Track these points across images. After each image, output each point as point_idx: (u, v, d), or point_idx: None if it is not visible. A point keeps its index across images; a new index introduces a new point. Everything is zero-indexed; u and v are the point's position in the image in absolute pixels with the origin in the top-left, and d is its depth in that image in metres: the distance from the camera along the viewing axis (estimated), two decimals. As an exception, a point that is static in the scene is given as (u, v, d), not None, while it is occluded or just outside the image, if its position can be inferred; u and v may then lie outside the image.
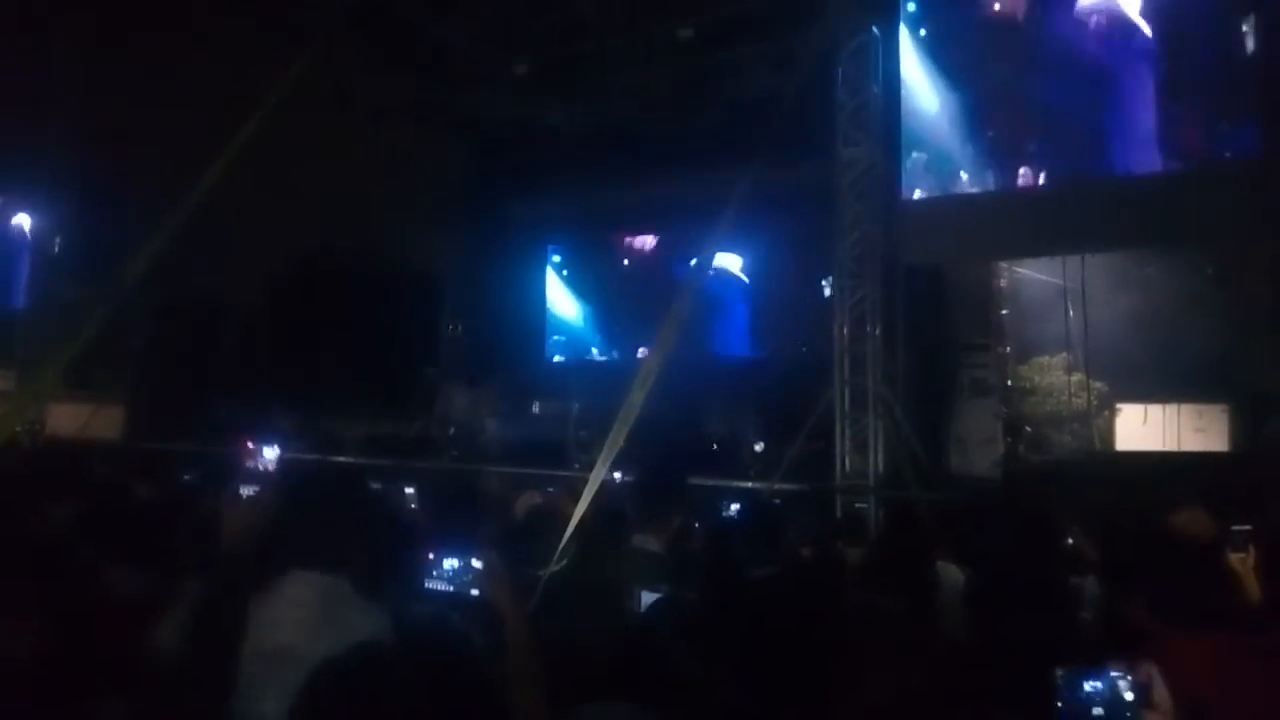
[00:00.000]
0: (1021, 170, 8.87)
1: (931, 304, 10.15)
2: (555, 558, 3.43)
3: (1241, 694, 1.91)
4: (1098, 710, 1.52)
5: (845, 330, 9.07)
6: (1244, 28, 7.82)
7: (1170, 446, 9.31)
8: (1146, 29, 8.25)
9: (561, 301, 15.09)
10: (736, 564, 3.61)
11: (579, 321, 15.01)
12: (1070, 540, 4.20)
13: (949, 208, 9.24)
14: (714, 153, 10.38)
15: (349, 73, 11.58)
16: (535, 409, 12.87)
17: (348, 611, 2.26)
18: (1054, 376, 10.66)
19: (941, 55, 9.29)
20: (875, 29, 9.28)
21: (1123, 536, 2.65)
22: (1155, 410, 9.71)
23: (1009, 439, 9.77)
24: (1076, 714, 1.53)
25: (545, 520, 4.03)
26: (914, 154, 9.31)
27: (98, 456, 7.06)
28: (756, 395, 11.19)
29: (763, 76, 10.50)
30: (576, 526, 3.67)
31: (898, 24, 9.33)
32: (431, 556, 2.31)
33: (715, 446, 10.97)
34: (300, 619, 2.23)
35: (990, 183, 9.08)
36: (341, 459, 10.36)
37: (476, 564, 2.23)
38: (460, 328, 14.61)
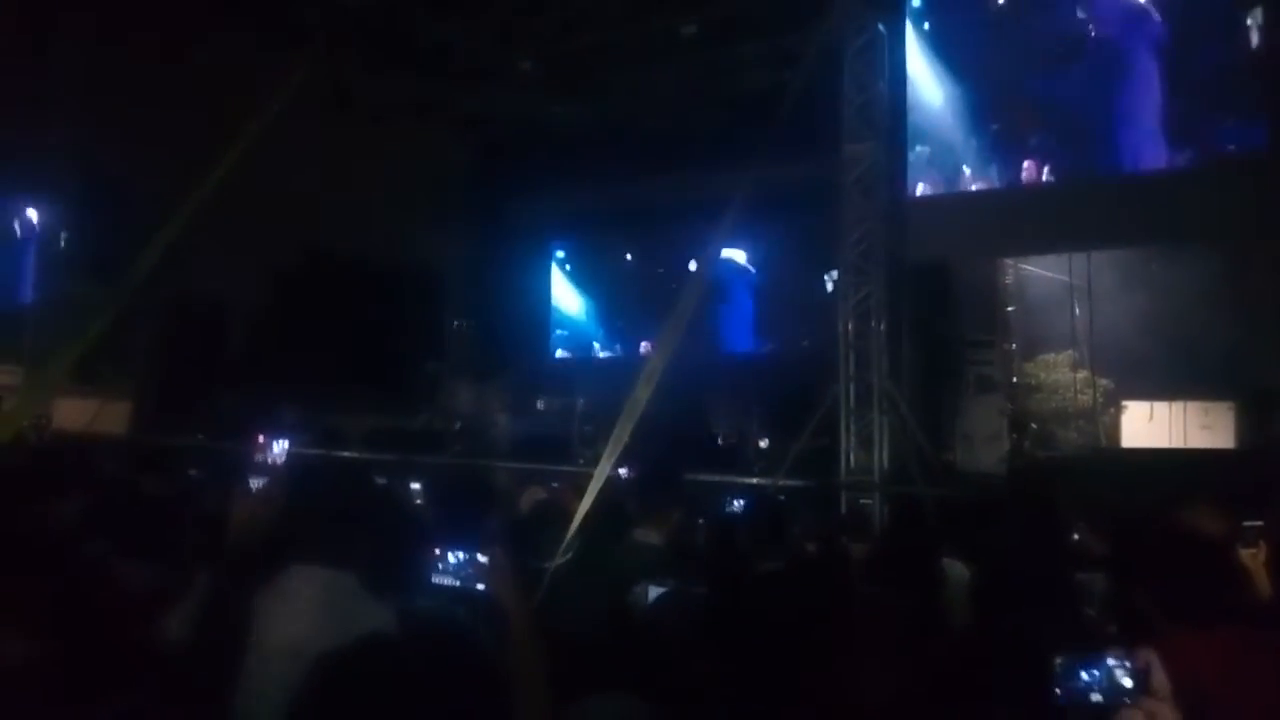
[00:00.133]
0: (1025, 164, 8.86)
1: (937, 300, 10.15)
2: (560, 552, 3.44)
3: (1251, 689, 1.91)
4: (1096, 697, 1.52)
5: (850, 326, 9.06)
6: (1249, 21, 7.80)
7: (1176, 444, 9.29)
8: (1155, 15, 8.23)
9: (565, 297, 15.12)
10: (742, 559, 3.61)
11: (582, 316, 15.04)
12: (1076, 536, 4.19)
13: (955, 204, 9.23)
14: (718, 149, 10.38)
15: (352, 71, 11.59)
16: (540, 405, 12.89)
17: (353, 606, 2.27)
18: (1060, 373, 10.65)
19: (945, 49, 9.28)
20: (881, 26, 9.27)
21: (1132, 531, 2.64)
22: (1161, 407, 9.69)
23: (1014, 435, 9.76)
24: (1075, 701, 1.52)
25: (549, 515, 4.04)
26: (918, 147, 9.31)
27: (104, 452, 7.08)
28: (761, 391, 11.19)
29: (767, 73, 10.48)
30: (580, 521, 3.68)
31: (904, 20, 9.32)
32: (437, 551, 2.32)
33: (720, 442, 10.97)
34: (306, 614, 2.24)
35: (994, 176, 9.07)
36: (347, 454, 10.39)
37: (482, 558, 2.23)
38: (465, 323, 14.63)
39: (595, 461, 4.50)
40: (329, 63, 10.50)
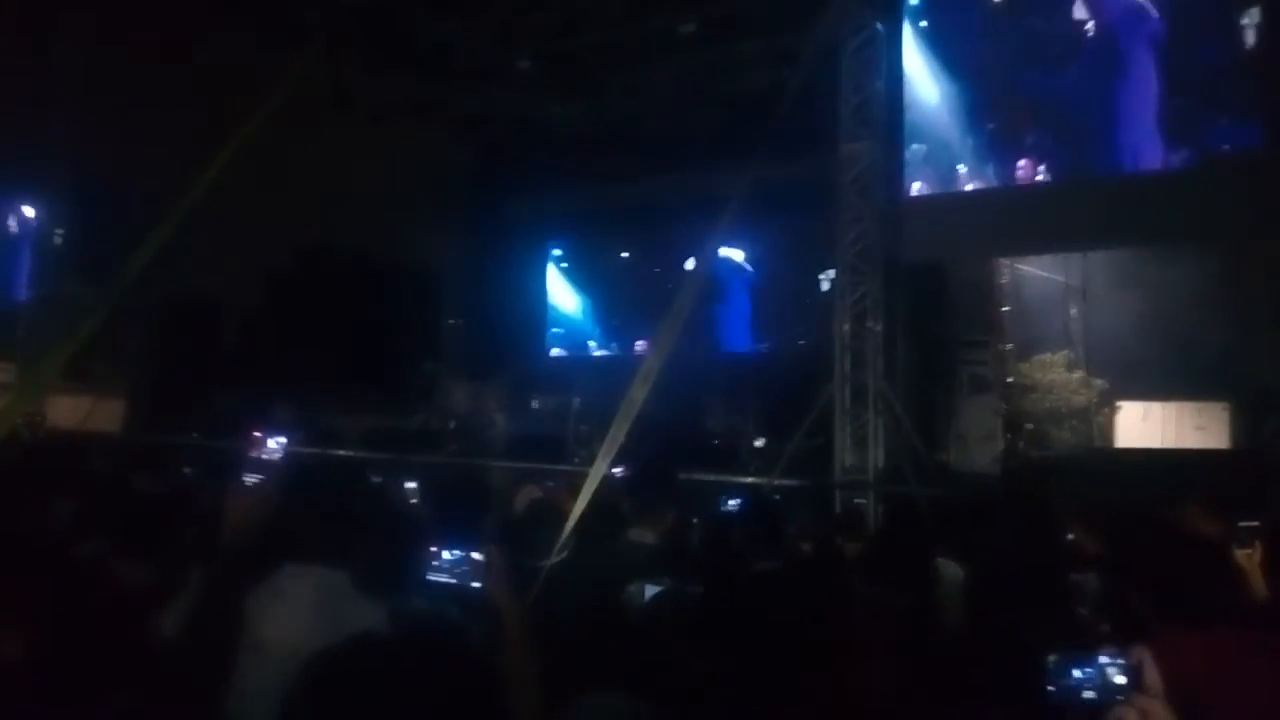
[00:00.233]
0: (1020, 162, 8.88)
1: (932, 300, 10.16)
2: (555, 551, 3.43)
3: (1246, 690, 1.91)
4: (1089, 694, 1.52)
5: (846, 326, 9.07)
6: (1243, 21, 7.81)
7: (1170, 444, 9.32)
8: (1153, 13, 8.24)
9: (561, 295, 15.11)
10: (737, 558, 3.61)
11: (578, 315, 15.03)
12: (1070, 536, 4.20)
13: (951, 204, 9.24)
14: (715, 148, 10.38)
15: (350, 70, 11.57)
16: (534, 404, 12.89)
17: (346, 606, 2.27)
18: (1055, 373, 10.65)
19: (941, 47, 9.29)
20: (879, 25, 9.27)
21: (1127, 531, 2.65)
22: (1155, 408, 9.71)
23: (1009, 435, 9.77)
24: (1068, 699, 1.53)
25: (545, 514, 4.03)
26: (913, 145, 9.32)
27: (98, 450, 7.06)
28: (757, 390, 11.20)
29: (765, 73, 10.48)
30: (576, 521, 3.67)
31: (901, 20, 9.33)
32: (432, 549, 2.32)
33: (715, 442, 10.97)
34: (299, 613, 2.24)
35: (989, 175, 9.08)
36: (342, 452, 10.37)
37: (476, 556, 2.23)
38: (461, 322, 14.62)
39: (591, 461, 4.50)
40: (329, 63, 10.49)
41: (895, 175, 9.31)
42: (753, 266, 13.21)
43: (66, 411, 11.55)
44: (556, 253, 15.19)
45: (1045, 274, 10.75)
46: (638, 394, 4.52)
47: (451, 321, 14.65)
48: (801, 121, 7.12)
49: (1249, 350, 9.12)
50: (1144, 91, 8.24)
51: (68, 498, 3.29)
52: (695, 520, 4.64)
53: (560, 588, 3.13)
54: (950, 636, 3.08)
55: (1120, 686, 1.51)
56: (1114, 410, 10.15)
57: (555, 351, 15.00)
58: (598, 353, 14.66)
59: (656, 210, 13.44)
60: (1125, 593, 2.36)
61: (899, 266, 9.35)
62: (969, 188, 9.19)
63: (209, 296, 14.92)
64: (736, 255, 13.11)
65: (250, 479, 2.49)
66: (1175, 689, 1.50)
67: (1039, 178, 8.80)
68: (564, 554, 3.44)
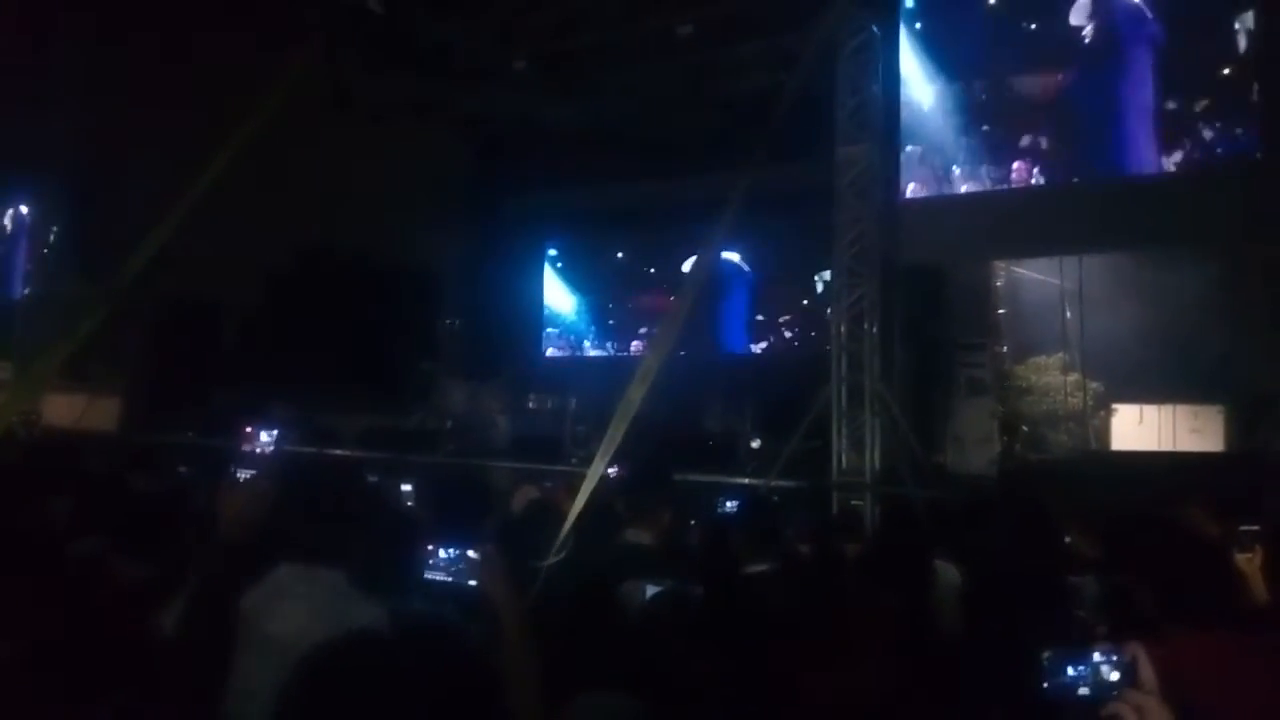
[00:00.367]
0: (1015, 164, 8.89)
1: (929, 303, 10.17)
2: (552, 550, 3.44)
3: (1245, 694, 1.91)
4: (1083, 691, 1.53)
5: (843, 328, 9.07)
6: (1236, 25, 7.83)
7: (1166, 447, 9.34)
8: (1149, 15, 8.26)
9: (557, 296, 15.11)
10: (734, 559, 3.62)
11: (574, 315, 15.04)
12: (1067, 539, 4.20)
13: (948, 207, 9.25)
14: (712, 149, 10.38)
15: (348, 70, 11.56)
16: (531, 404, 12.89)
17: (343, 605, 2.27)
18: (1051, 376, 10.67)
19: (937, 49, 9.30)
20: (875, 28, 9.28)
21: (1124, 534, 2.65)
22: (1151, 411, 9.74)
23: (1005, 438, 9.78)
24: (1062, 696, 1.53)
25: (542, 514, 4.03)
26: (909, 146, 9.33)
27: (94, 448, 7.05)
28: (754, 391, 11.21)
29: (762, 74, 10.48)
30: (573, 521, 3.68)
31: (898, 23, 9.33)
32: (429, 547, 2.32)
33: (712, 442, 10.98)
34: (297, 613, 2.23)
35: (984, 176, 9.09)
36: (339, 452, 10.36)
37: (473, 554, 2.23)
38: (458, 322, 14.63)
39: (588, 461, 4.50)
40: (327, 61, 10.48)
41: (892, 178, 9.31)
42: (750, 267, 13.22)
43: (63, 410, 11.54)
44: (553, 253, 15.20)
45: (1041, 277, 10.77)
46: (634, 394, 4.53)
47: (448, 321, 14.66)
48: (801, 122, 7.13)
49: (1244, 353, 9.14)
50: (1140, 94, 8.26)
51: (64, 496, 3.29)
52: (693, 521, 4.64)
53: (558, 587, 3.13)
54: (947, 638, 3.08)
55: (1115, 683, 1.52)
56: (1109, 413, 10.18)
57: (551, 352, 15.01)
58: (594, 353, 14.67)
59: (653, 211, 13.45)
60: (1122, 594, 2.37)
61: (896, 269, 9.35)
62: (964, 189, 9.20)
63: (206, 295, 14.90)
64: (733, 256, 13.13)
65: (244, 473, 2.49)
66: (1174, 692, 1.51)
67: (1034, 180, 8.82)
68: (562, 554, 3.44)
